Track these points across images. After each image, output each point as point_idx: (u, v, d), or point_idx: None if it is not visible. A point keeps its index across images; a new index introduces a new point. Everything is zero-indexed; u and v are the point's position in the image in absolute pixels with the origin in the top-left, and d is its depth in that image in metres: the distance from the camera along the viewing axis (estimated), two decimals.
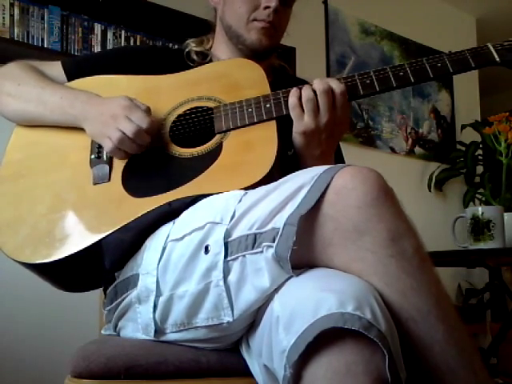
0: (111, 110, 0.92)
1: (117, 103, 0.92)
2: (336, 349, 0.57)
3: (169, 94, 1.01)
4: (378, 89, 0.91)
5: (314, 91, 0.90)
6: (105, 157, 0.95)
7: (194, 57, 1.12)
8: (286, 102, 0.92)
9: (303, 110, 0.90)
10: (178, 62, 1.10)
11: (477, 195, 3.16)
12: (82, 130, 0.97)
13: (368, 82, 0.92)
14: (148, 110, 0.93)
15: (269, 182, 0.75)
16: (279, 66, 1.19)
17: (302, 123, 0.91)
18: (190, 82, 1.02)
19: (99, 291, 1.05)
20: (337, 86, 0.91)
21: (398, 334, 0.62)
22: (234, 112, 0.93)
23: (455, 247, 1.89)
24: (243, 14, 1.05)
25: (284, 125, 0.92)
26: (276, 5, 1.03)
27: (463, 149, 3.30)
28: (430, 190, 3.36)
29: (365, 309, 0.58)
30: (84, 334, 1.16)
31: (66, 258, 0.86)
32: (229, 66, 1.03)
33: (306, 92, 0.90)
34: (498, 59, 0.89)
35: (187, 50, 1.13)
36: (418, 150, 3.41)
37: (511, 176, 2.23)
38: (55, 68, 1.09)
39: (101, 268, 0.88)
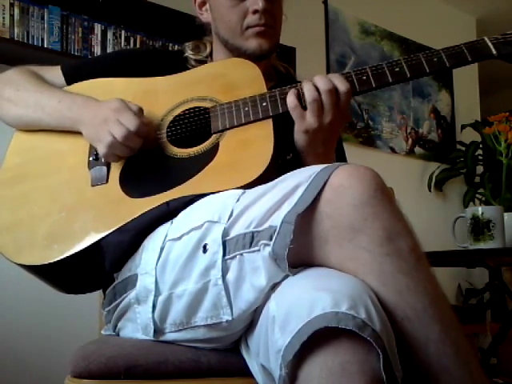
0: (103, 113, 0.92)
1: (108, 106, 0.92)
2: (331, 348, 0.57)
3: (166, 95, 1.01)
4: (374, 85, 0.90)
5: (317, 90, 0.89)
6: (102, 159, 0.95)
7: (193, 63, 1.11)
8: (282, 99, 0.91)
9: (304, 109, 0.90)
10: (178, 64, 1.09)
11: (477, 195, 3.16)
12: (79, 133, 0.97)
13: (364, 78, 0.91)
14: (139, 111, 0.93)
15: (266, 180, 0.75)
16: (285, 69, 1.18)
17: (304, 122, 0.90)
18: (187, 82, 1.02)
19: (99, 291, 1.05)
20: (341, 84, 0.89)
21: (394, 333, 0.61)
22: (230, 111, 0.93)
23: (455, 247, 1.89)
24: (235, 25, 1.03)
25: (282, 128, 0.92)
26: (263, 6, 1.00)
27: (463, 149, 3.31)
28: (430, 190, 3.36)
29: (359, 308, 0.58)
30: (84, 334, 1.16)
31: (65, 259, 0.86)
32: (225, 66, 1.02)
33: (310, 92, 0.89)
34: (494, 52, 0.88)
35: (185, 55, 1.12)
36: (418, 149, 3.41)
37: (511, 176, 2.23)
38: (55, 72, 1.09)
39: (100, 270, 0.88)
